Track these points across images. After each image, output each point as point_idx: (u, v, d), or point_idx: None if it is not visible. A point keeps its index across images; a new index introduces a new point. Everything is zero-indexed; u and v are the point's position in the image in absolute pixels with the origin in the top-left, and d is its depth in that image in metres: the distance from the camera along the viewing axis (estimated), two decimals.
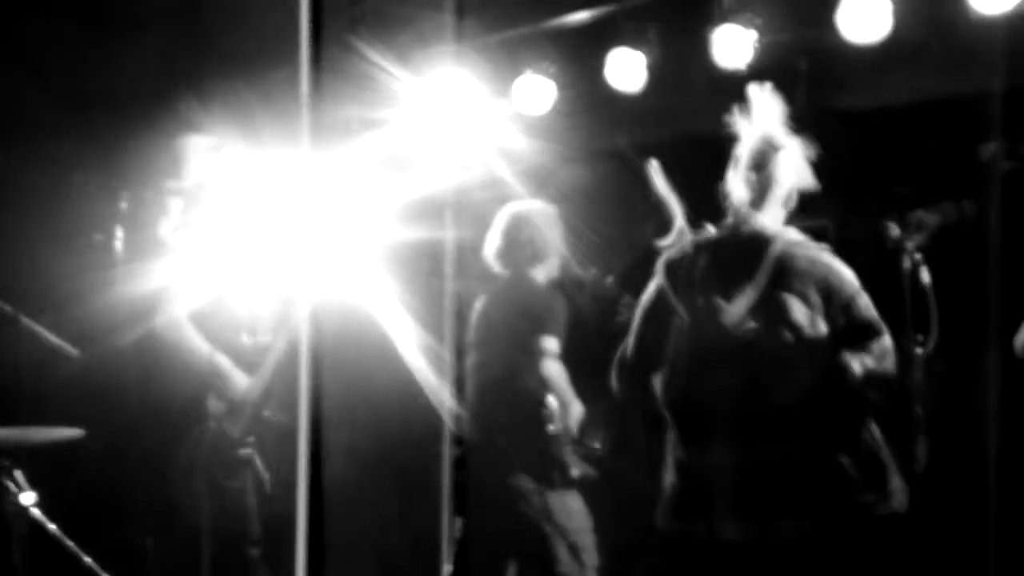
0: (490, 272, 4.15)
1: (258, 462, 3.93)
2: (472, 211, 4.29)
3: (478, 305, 4.12)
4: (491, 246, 4.15)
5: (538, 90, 4.55)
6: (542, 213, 4.14)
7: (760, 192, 3.25)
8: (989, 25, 4.01)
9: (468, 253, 4.23)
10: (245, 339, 4.01)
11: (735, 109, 3.39)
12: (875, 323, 3.13)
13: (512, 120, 4.49)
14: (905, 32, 4.16)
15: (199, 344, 3.90)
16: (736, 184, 3.27)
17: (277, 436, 4.01)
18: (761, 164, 3.28)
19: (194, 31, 4.62)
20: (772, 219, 3.25)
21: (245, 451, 3.87)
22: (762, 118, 3.32)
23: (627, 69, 4.43)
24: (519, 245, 4.11)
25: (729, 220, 3.28)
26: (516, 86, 4.56)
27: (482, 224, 4.19)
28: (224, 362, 3.92)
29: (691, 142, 4.86)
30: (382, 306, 4.32)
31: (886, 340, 3.14)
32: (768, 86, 3.38)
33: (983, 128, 4.92)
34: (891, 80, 4.55)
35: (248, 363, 3.97)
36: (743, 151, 3.30)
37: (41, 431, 3.15)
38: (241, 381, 3.95)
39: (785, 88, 4.65)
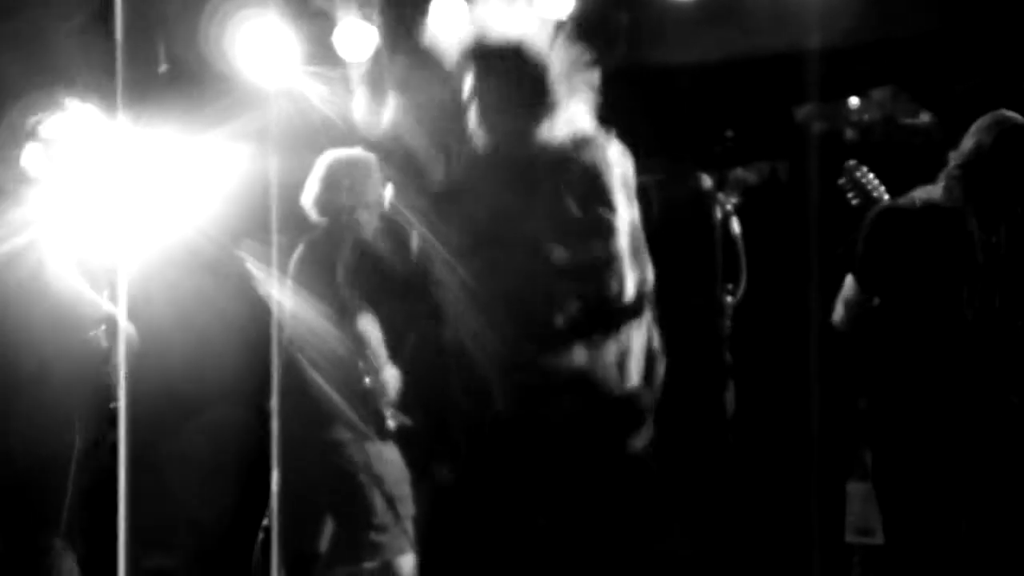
0: (309, 221, 4.06)
1: None
2: (294, 158, 4.21)
3: (296, 254, 4.03)
4: (309, 194, 4.06)
5: (360, 37, 4.44)
6: (361, 161, 4.06)
7: None
8: None
9: (291, 202, 4.14)
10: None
11: None
12: None
13: (334, 67, 4.39)
14: None
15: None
16: None
17: None
18: None
19: None
20: None
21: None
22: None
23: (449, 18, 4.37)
24: (337, 193, 4.02)
25: None
26: (338, 32, 4.45)
27: (303, 172, 4.09)
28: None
29: None
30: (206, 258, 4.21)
31: None
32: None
33: (799, 89, 5.07)
34: (710, 37, 4.65)
35: None
36: None
37: None
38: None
39: (606, 42, 4.71)
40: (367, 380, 3.81)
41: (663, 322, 3.59)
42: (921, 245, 3.11)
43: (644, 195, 4.75)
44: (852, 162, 3.54)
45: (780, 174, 5.50)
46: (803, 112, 5.57)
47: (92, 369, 3.63)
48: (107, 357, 3.73)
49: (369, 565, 3.79)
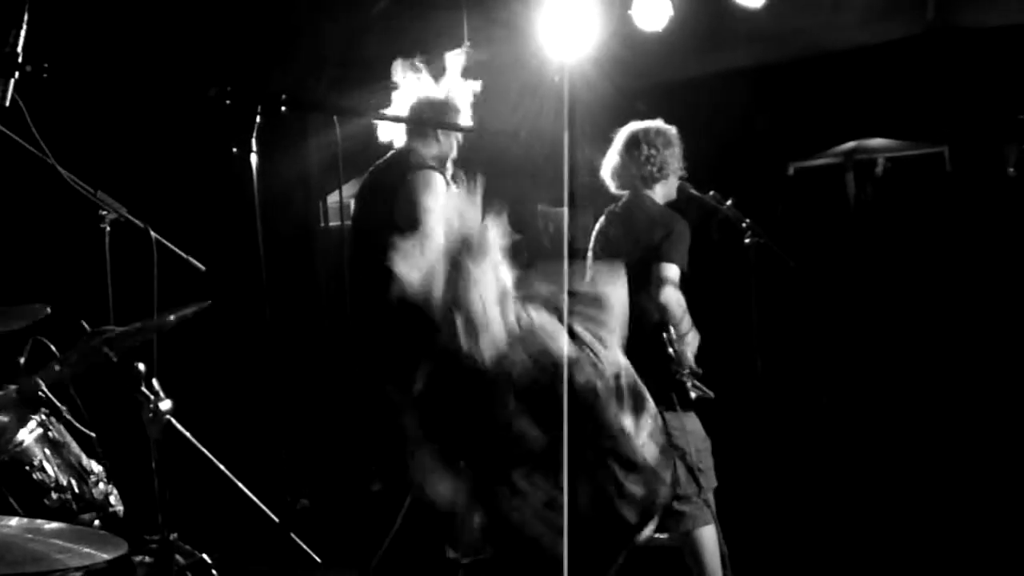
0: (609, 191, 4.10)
1: None
2: (591, 130, 4.24)
3: (598, 224, 4.07)
4: (608, 165, 4.09)
5: (658, 4, 4.42)
6: (661, 133, 4.04)
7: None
8: None
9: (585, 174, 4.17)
10: None
11: None
12: None
13: (629, 35, 4.39)
14: None
15: None
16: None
17: None
18: None
19: None
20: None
21: None
22: None
23: None
24: (635, 164, 4.03)
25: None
26: (636, 5, 4.44)
27: (603, 143, 4.13)
28: None
29: (813, 60, 4.74)
30: None
31: None
32: None
33: None
34: None
35: None
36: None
37: (175, 311, 3.15)
38: None
39: (915, 3, 4.51)
40: (670, 349, 3.79)
41: (979, 295, 3.42)
42: None
43: (938, 163, 4.50)
44: None
45: None
46: None
47: None
48: None
49: (671, 534, 3.80)
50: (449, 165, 3.91)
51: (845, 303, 5.07)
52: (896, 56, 4.83)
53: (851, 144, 5.63)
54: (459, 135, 3.88)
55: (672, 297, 3.80)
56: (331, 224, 5.20)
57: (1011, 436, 4.20)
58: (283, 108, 2.79)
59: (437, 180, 3.58)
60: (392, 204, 3.57)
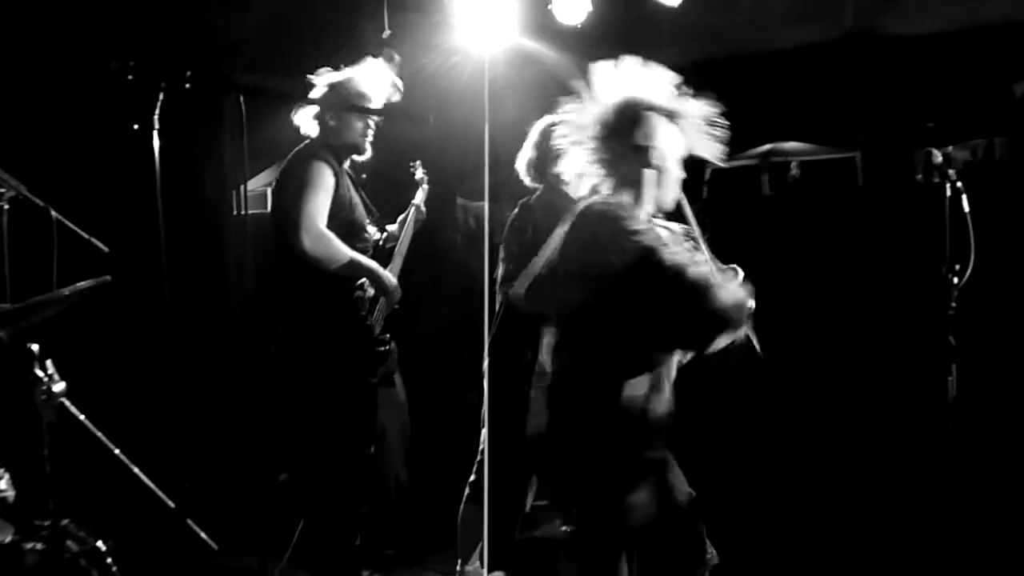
0: (523, 185, 4.09)
1: (394, 358, 4.06)
2: (506, 124, 4.24)
3: (511, 216, 4.06)
4: (523, 159, 4.08)
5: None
6: None
7: None
8: None
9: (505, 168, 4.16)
10: (372, 234, 4.04)
11: None
12: None
13: (548, 29, 4.39)
14: None
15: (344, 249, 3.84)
16: None
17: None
18: None
19: None
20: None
21: (383, 347, 3.98)
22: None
23: None
24: (551, 158, 4.02)
25: None
26: None
27: (517, 138, 4.12)
28: (368, 261, 3.90)
29: (732, 62, 4.78)
30: None
31: None
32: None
33: (1020, 64, 4.82)
34: (937, 8, 4.46)
35: (377, 259, 4.02)
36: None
37: (70, 287, 3.06)
38: (389, 276, 3.99)
39: (834, 8, 4.58)
40: None
41: (885, 300, 3.49)
42: None
43: (850, 169, 4.58)
44: None
45: (997, 152, 5.26)
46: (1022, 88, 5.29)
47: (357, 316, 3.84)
48: (370, 307, 3.90)
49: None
50: (366, 149, 3.90)
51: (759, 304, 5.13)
52: (813, 60, 4.90)
53: (767, 146, 5.69)
54: (371, 121, 3.88)
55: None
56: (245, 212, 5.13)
57: (908, 437, 4.29)
58: (187, 85, 2.74)
59: (313, 169, 3.65)
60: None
